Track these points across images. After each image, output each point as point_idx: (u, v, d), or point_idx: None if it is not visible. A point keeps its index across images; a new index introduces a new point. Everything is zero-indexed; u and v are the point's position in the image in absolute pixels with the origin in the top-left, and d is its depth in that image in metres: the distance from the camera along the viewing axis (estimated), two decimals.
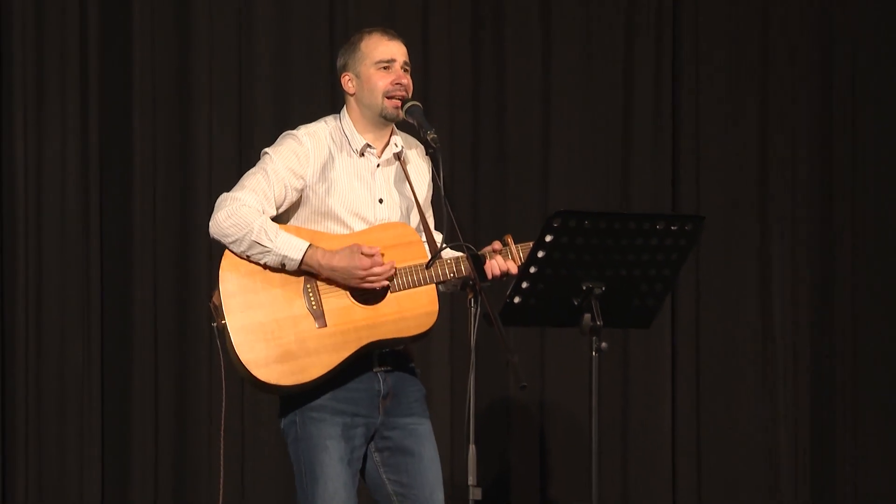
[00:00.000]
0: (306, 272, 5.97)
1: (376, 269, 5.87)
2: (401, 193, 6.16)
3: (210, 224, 5.96)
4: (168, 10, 8.33)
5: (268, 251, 5.89)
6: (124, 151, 8.28)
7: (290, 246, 5.89)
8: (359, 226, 6.09)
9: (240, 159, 8.02)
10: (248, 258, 5.94)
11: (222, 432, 6.26)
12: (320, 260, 5.90)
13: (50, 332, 8.14)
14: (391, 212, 6.14)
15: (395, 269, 5.92)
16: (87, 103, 8.17)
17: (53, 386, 8.13)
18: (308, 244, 5.93)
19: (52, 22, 8.14)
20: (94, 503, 8.19)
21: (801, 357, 9.31)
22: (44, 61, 8.12)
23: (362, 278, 5.86)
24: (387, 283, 5.90)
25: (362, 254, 5.86)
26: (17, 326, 8.08)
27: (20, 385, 8.05)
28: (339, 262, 5.91)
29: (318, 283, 5.97)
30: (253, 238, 5.89)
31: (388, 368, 6.08)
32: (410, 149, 6.24)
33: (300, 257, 5.90)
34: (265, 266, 5.98)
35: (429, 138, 5.98)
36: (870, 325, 9.34)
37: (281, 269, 5.92)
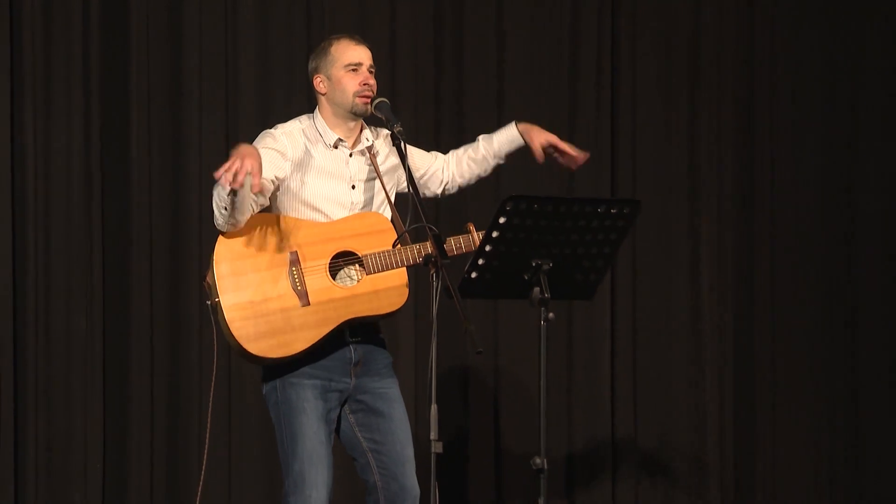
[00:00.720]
0: (293, 258, 6.03)
1: (225, 166, 5.67)
2: (371, 181, 6.20)
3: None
4: (162, 16, 8.31)
5: (214, 199, 5.90)
6: (122, 143, 8.27)
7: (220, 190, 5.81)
8: (336, 212, 6.16)
9: (226, 149, 7.97)
10: (232, 222, 5.93)
11: (212, 396, 6.29)
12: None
13: (57, 306, 8.13)
14: (364, 196, 6.20)
15: (361, 258, 6.03)
16: (90, 101, 8.16)
17: (61, 353, 8.11)
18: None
19: (59, 27, 8.12)
20: (97, 449, 8.17)
21: (725, 324, 9.37)
22: (51, 63, 8.10)
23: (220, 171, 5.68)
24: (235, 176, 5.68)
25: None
26: (27, 301, 8.07)
27: (30, 353, 8.06)
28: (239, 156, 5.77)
29: (302, 265, 6.02)
30: (214, 206, 5.90)
31: (359, 339, 6.14)
32: (378, 139, 6.28)
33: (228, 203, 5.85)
34: (235, 218, 5.92)
35: (395, 131, 6.07)
36: (786, 296, 9.42)
37: (249, 205, 5.91)
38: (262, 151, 5.92)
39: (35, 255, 8.12)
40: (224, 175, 5.57)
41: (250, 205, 5.87)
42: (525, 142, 6.40)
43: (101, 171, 8.23)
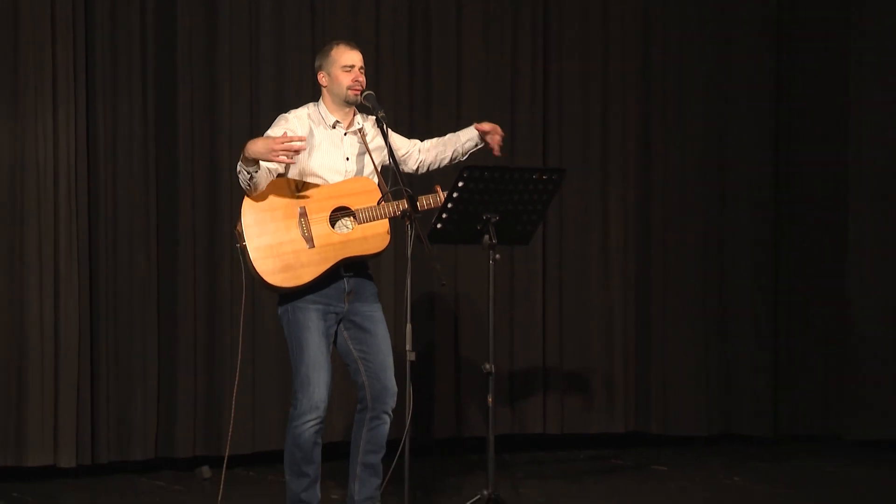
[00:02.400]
0: (301, 212, 6.12)
1: (284, 145, 5.89)
2: (361, 154, 6.30)
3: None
4: (201, 28, 8.28)
5: (241, 171, 6.03)
6: (172, 127, 8.25)
7: (240, 161, 5.99)
8: (334, 178, 6.28)
9: (250, 128, 7.99)
10: (254, 189, 6.08)
11: (242, 315, 6.38)
12: (247, 149, 5.97)
13: (122, 247, 8.13)
14: (355, 165, 6.33)
15: (354, 212, 6.14)
16: (147, 97, 8.17)
17: (125, 282, 8.12)
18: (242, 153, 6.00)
19: (122, 41, 8.10)
20: (154, 357, 8.17)
21: (629, 266, 9.34)
22: (117, 70, 8.09)
23: (277, 148, 5.87)
24: (293, 153, 5.97)
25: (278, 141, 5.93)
26: (100, 244, 8.06)
27: (102, 282, 8.06)
28: (258, 143, 5.99)
29: (309, 217, 6.12)
30: (238, 174, 5.97)
31: (351, 274, 6.26)
32: (367, 122, 6.38)
33: (242, 158, 6.00)
34: (256, 184, 6.05)
35: (379, 116, 6.19)
36: (674, 243, 9.38)
37: (264, 176, 6.05)
38: (274, 132, 6.13)
39: (105, 210, 8.09)
40: (283, 157, 5.87)
41: (266, 177, 5.99)
42: (483, 140, 6.48)
43: (155, 148, 8.21)
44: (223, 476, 6.32)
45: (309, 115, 6.28)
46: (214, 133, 8.33)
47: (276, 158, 5.88)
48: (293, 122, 6.21)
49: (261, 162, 5.90)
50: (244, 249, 6.09)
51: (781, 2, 9.54)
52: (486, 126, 6.48)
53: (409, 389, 6.07)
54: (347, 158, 6.29)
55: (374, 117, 6.30)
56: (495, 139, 6.46)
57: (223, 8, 8.31)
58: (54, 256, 7.90)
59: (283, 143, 5.86)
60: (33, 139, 7.87)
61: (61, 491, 7.57)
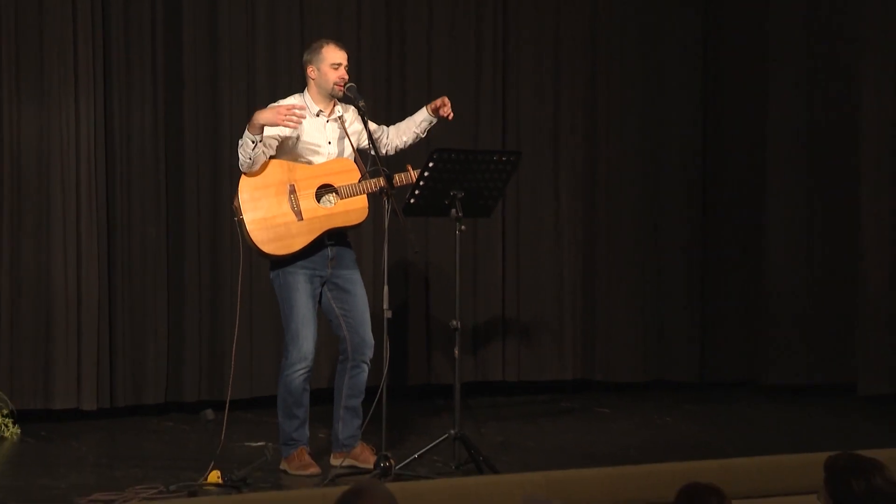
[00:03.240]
0: (291, 189, 6.15)
1: (287, 112, 6.07)
2: (341, 139, 6.37)
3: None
4: (204, 31, 8.25)
5: (243, 144, 6.13)
6: (177, 117, 8.23)
7: (244, 136, 6.12)
8: (318, 159, 6.41)
9: (247, 115, 7.95)
10: (251, 166, 6.18)
11: (240, 281, 6.41)
12: (255, 118, 6.12)
13: (135, 219, 8.12)
14: (336, 149, 6.38)
15: (337, 189, 6.20)
16: (157, 90, 8.16)
17: (138, 250, 8.12)
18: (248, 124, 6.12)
19: (135, 47, 8.09)
20: (164, 314, 8.18)
21: (577, 230, 9.34)
22: (131, 68, 8.09)
23: (283, 114, 6.04)
24: (296, 119, 6.11)
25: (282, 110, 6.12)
26: (117, 216, 8.07)
27: (118, 251, 8.07)
28: (265, 112, 6.17)
29: (298, 193, 6.16)
30: (239, 150, 6.03)
31: (334, 243, 6.34)
32: (348, 112, 6.38)
33: (246, 129, 6.14)
34: (255, 160, 6.15)
35: (360, 106, 6.20)
36: (618, 211, 9.36)
37: (253, 152, 6.08)
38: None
39: (121, 187, 8.08)
40: (288, 120, 6.03)
41: (262, 156, 6.01)
42: (437, 115, 6.51)
43: (164, 133, 8.18)
44: (225, 418, 6.35)
45: (303, 100, 6.34)
46: (216, 119, 8.30)
47: (283, 123, 6.03)
48: (291, 102, 6.29)
49: (264, 132, 6.03)
50: (241, 222, 6.15)
51: (707, 16, 9.59)
52: (436, 103, 6.53)
53: (386, 342, 6.14)
54: (329, 142, 6.34)
55: (352, 107, 6.35)
56: (445, 110, 6.50)
57: (223, 7, 8.27)
58: (77, 227, 7.89)
59: (288, 109, 6.04)
60: (58, 126, 7.84)
61: (84, 431, 7.57)
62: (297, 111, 6.07)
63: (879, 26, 8.74)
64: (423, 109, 6.56)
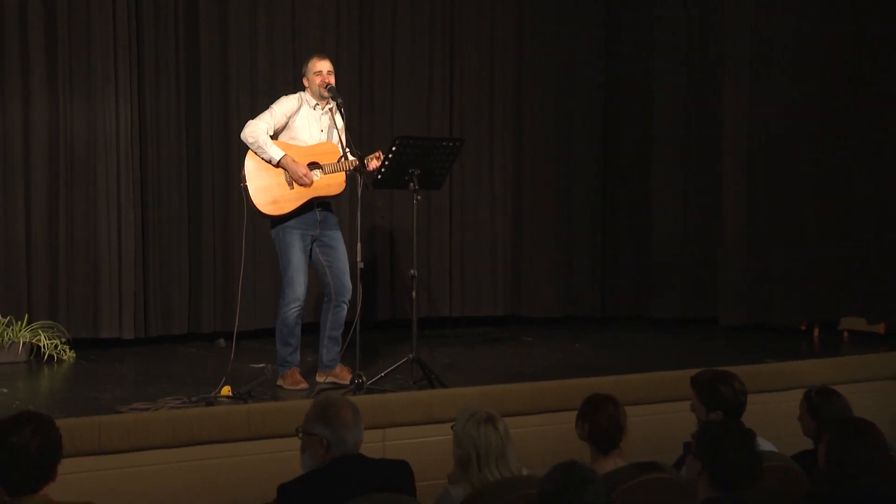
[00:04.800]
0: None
1: (305, 178, 6.09)
2: (331, 127, 6.31)
3: (242, 133, 6.15)
4: (217, 38, 8.18)
5: (265, 153, 6.03)
6: (195, 107, 8.16)
7: (275, 152, 6.06)
8: (310, 141, 6.35)
9: (251, 104, 7.92)
10: (257, 153, 6.03)
11: (244, 237, 6.36)
12: (286, 163, 6.10)
13: (163, 189, 8.07)
14: (326, 136, 6.36)
15: (312, 182, 6.17)
16: (179, 84, 8.11)
17: (164, 214, 8.08)
18: (283, 154, 6.14)
19: (164, 44, 8.02)
20: (186, 264, 8.13)
21: (507, 198, 9.33)
22: (160, 62, 8.01)
23: (299, 177, 6.06)
24: (308, 182, 6.12)
25: (302, 170, 6.11)
26: (148, 189, 8.01)
27: (151, 215, 8.02)
28: (293, 166, 6.10)
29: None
30: (259, 145, 6.03)
31: (321, 208, 6.29)
32: (333, 105, 6.36)
33: (279, 158, 6.04)
34: (262, 159, 6.10)
35: (338, 102, 6.17)
36: (540, 181, 9.40)
37: (269, 161, 6.02)
38: (278, 107, 6.24)
39: (151, 163, 8.02)
40: (302, 180, 6.11)
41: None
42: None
43: (185, 120, 8.12)
44: (234, 345, 6.35)
45: (299, 97, 6.31)
46: (226, 113, 8.22)
47: (298, 181, 6.10)
48: (285, 104, 6.26)
49: (280, 160, 6.10)
50: (246, 188, 6.14)
51: (608, 31, 9.59)
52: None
53: (360, 287, 6.14)
54: (322, 130, 6.34)
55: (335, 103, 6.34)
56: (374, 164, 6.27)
57: (231, 21, 8.22)
58: (118, 196, 7.84)
59: (305, 175, 6.09)
60: (102, 119, 7.77)
61: (124, 355, 7.54)
62: (305, 180, 6.11)
63: (736, 42, 8.87)
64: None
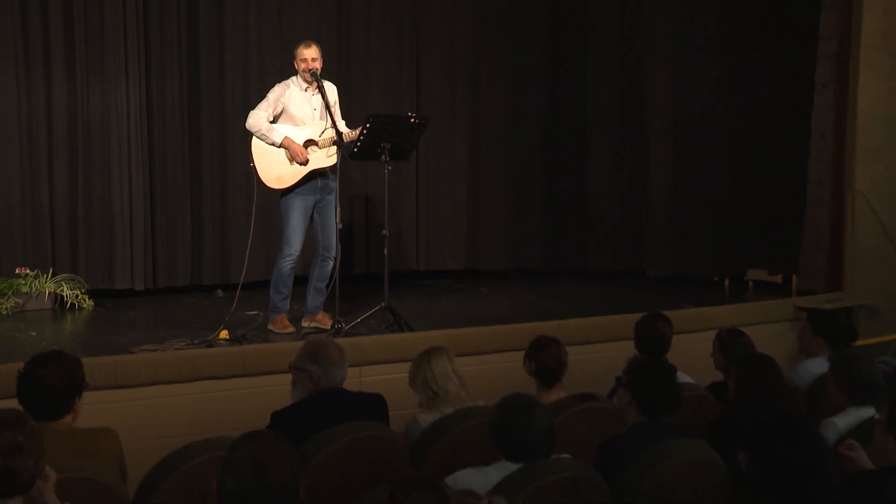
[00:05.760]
0: (286, 143, 6.09)
1: (300, 157, 6.03)
2: (324, 106, 6.21)
3: (247, 123, 6.12)
4: (215, 30, 8.08)
5: (268, 138, 6.01)
6: (197, 88, 8.05)
7: (277, 136, 6.03)
8: (306, 121, 6.27)
9: (244, 89, 7.89)
10: (262, 139, 6.01)
11: (255, 204, 6.32)
12: (287, 144, 6.05)
13: (168, 166, 7.97)
14: (320, 114, 6.30)
15: (307, 160, 6.13)
16: (182, 69, 8.00)
17: (170, 188, 8.00)
18: (284, 136, 6.09)
19: (168, 35, 7.92)
20: (189, 223, 8.07)
21: (466, 166, 9.23)
22: (164, 50, 7.91)
23: (297, 156, 6.01)
24: (303, 161, 6.08)
25: (299, 151, 6.06)
26: (155, 168, 7.91)
27: (158, 189, 7.93)
28: (293, 147, 6.06)
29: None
30: (263, 132, 5.99)
31: (321, 177, 6.25)
32: (330, 89, 6.30)
33: (280, 141, 6.01)
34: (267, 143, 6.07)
35: (321, 85, 6.13)
36: (493, 153, 9.33)
37: (273, 145, 5.98)
38: (272, 95, 6.20)
39: (158, 140, 7.94)
40: (300, 159, 6.07)
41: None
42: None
43: (188, 103, 8.03)
44: (237, 294, 6.33)
45: (292, 81, 6.25)
46: (222, 93, 8.13)
47: (297, 159, 6.07)
48: (279, 90, 6.22)
49: (282, 141, 6.09)
50: (255, 168, 6.15)
51: (549, 21, 9.53)
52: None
53: (338, 244, 6.12)
54: (315, 109, 6.29)
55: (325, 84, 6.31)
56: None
57: (227, 16, 8.13)
58: (129, 166, 7.77)
59: (300, 153, 6.07)
60: (114, 98, 7.69)
61: (136, 303, 7.53)
62: (299, 158, 6.09)
63: (661, 34, 8.87)
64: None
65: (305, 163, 6.10)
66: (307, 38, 6.42)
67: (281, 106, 6.20)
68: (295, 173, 6.14)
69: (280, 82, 6.33)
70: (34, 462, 2.61)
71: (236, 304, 6.31)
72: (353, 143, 6.13)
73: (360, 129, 6.11)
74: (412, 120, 6.33)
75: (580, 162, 9.50)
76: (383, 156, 6.10)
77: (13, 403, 3.36)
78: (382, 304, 6.20)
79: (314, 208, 6.26)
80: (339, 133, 6.06)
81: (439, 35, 9.13)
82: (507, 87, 9.41)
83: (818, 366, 4.91)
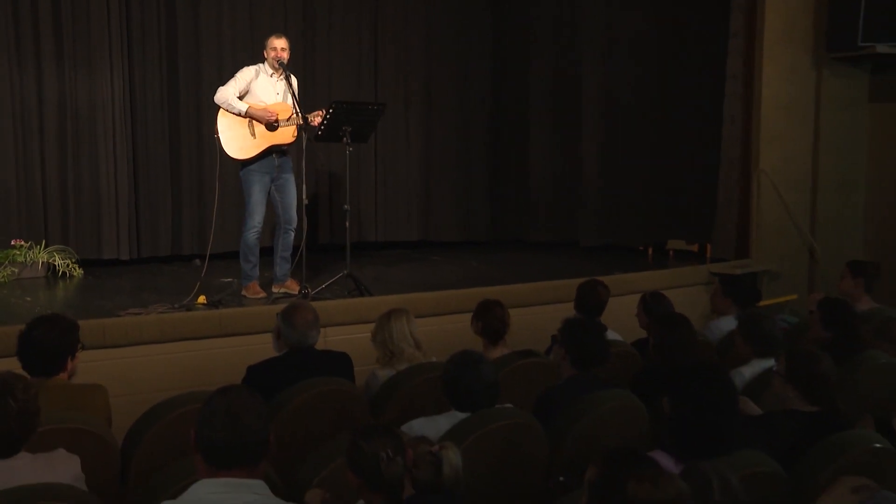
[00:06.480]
0: (249, 120, 6.00)
1: (269, 116, 5.88)
2: (286, 92, 6.13)
3: (215, 97, 6.00)
4: (191, 24, 7.99)
5: (234, 108, 5.91)
6: (175, 76, 7.96)
7: (241, 106, 5.94)
8: (269, 102, 6.13)
9: (219, 77, 7.79)
10: (228, 110, 5.88)
11: (217, 179, 6.25)
12: (253, 111, 5.91)
13: (151, 143, 7.87)
14: (282, 98, 6.18)
15: (277, 118, 5.97)
16: (162, 59, 7.89)
17: (154, 162, 7.93)
18: (248, 106, 5.94)
19: (149, 28, 7.79)
20: (168, 192, 8.00)
21: (420, 145, 9.17)
22: (145, 42, 7.78)
23: (268, 118, 5.86)
24: (272, 118, 5.96)
25: (268, 113, 5.93)
26: (137, 147, 7.81)
27: (140, 162, 7.81)
28: (261, 112, 5.93)
29: (253, 123, 6.01)
30: (230, 103, 5.90)
31: (278, 155, 6.14)
32: (289, 75, 6.17)
33: (245, 109, 5.89)
34: (232, 114, 5.93)
35: (289, 73, 6.04)
36: (444, 136, 9.28)
37: (239, 115, 5.86)
38: (241, 75, 6.08)
39: (140, 122, 7.85)
40: (270, 121, 5.98)
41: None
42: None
43: (168, 90, 7.95)
44: (206, 263, 6.27)
45: (258, 68, 6.15)
46: (199, 79, 8.05)
47: (267, 119, 5.97)
48: (248, 71, 6.12)
49: (247, 110, 5.97)
50: (218, 139, 6.05)
51: (494, 19, 9.50)
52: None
53: (305, 218, 6.09)
54: (277, 93, 6.20)
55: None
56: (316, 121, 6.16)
57: (202, 10, 8.03)
58: (114, 145, 7.67)
59: (267, 112, 5.96)
60: (100, 86, 7.59)
61: (122, 272, 7.44)
62: (271, 118, 5.99)
63: (591, 31, 8.87)
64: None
65: (274, 119, 6.06)
66: (276, 30, 6.35)
67: (247, 86, 6.11)
68: (257, 145, 6.04)
69: (249, 66, 6.25)
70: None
71: (205, 270, 6.28)
72: (317, 127, 6.10)
73: (322, 111, 6.07)
74: (371, 106, 6.29)
75: (522, 145, 9.51)
76: (345, 138, 6.06)
77: (13, 361, 3.38)
78: (345, 271, 6.19)
79: (272, 185, 6.19)
80: (304, 118, 6.01)
81: (395, 30, 9.07)
82: (457, 76, 9.38)
83: (728, 323, 5.03)
